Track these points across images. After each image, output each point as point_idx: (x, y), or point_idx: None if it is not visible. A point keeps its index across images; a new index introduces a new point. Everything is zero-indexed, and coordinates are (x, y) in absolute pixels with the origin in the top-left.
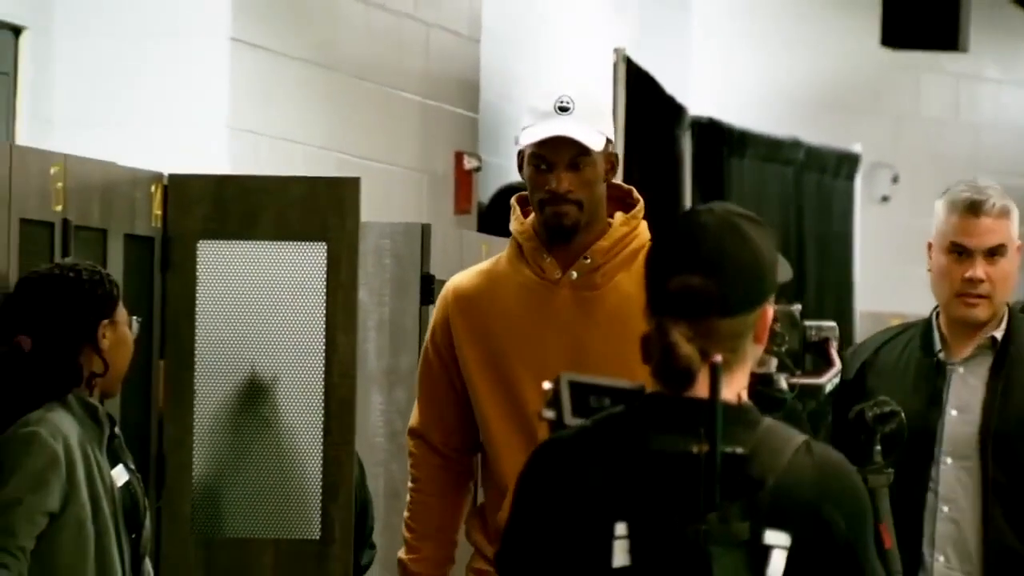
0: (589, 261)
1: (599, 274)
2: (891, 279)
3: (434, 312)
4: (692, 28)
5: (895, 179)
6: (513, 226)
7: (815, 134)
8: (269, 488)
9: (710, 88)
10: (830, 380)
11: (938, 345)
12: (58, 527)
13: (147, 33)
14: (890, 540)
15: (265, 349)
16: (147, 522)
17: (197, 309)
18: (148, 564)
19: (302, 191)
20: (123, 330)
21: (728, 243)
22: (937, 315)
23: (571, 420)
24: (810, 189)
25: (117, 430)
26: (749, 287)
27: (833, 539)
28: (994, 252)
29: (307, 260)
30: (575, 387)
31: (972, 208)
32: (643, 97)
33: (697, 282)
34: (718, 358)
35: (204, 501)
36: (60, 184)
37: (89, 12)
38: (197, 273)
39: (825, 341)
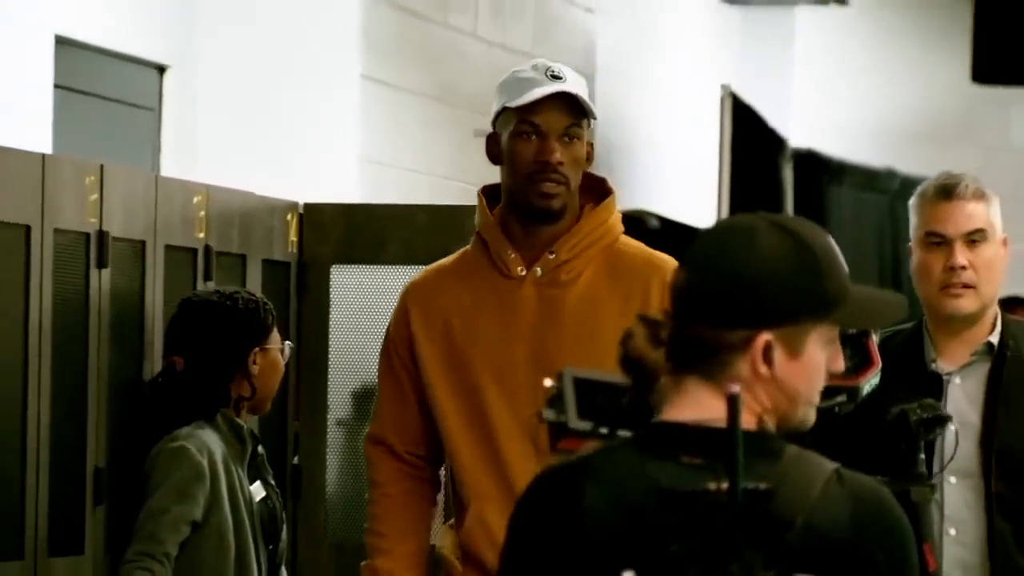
0: (554, 256)
1: (564, 270)
2: None
3: (393, 313)
4: (793, 64)
5: None
6: (477, 219)
7: (909, 164)
8: None
9: (810, 120)
10: (869, 381)
11: (931, 354)
12: (201, 536)
13: (283, 71)
14: (934, 562)
15: None
16: (283, 534)
17: (330, 330)
18: (284, 573)
19: (427, 218)
20: (274, 355)
21: (734, 247)
22: (924, 322)
23: (577, 423)
24: (905, 217)
25: (260, 449)
26: (736, 298)
27: None
28: (974, 238)
29: None
30: (581, 384)
31: (944, 192)
32: (747, 130)
33: (683, 279)
34: (735, 388)
35: (337, 509)
36: (203, 212)
37: (229, 52)
38: (330, 296)
39: (864, 334)
